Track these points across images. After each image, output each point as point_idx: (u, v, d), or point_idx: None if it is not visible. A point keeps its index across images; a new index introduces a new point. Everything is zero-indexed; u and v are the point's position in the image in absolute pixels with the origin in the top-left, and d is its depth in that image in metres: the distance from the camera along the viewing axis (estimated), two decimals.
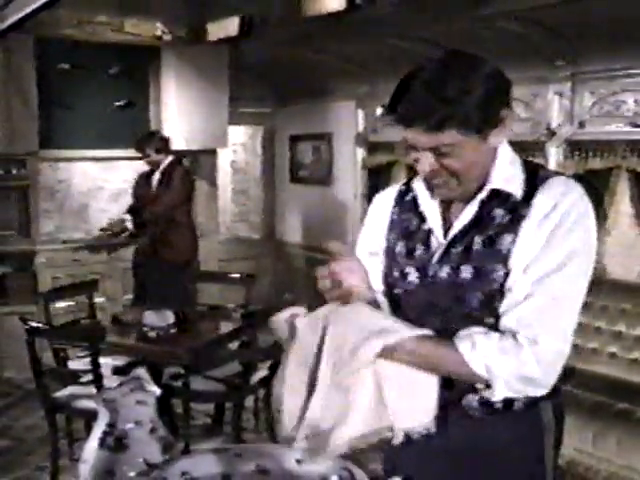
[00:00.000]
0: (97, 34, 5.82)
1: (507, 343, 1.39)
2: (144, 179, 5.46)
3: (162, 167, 5.33)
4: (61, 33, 5.66)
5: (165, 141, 5.43)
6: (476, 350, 1.39)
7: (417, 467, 1.54)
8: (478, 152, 1.44)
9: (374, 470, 1.50)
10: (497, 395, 1.42)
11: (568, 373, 1.51)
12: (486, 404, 1.50)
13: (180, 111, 6.30)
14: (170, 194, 5.22)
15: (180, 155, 5.70)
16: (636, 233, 4.22)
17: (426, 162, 1.44)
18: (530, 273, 1.41)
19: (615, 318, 4.07)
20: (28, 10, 4.19)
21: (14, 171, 5.73)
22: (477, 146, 1.43)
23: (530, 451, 1.54)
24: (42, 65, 5.71)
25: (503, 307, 1.44)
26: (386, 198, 1.72)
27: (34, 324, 3.62)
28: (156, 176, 5.36)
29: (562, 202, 1.42)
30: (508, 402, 1.49)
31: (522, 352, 1.38)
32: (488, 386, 1.43)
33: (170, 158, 5.37)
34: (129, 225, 5.37)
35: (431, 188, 1.55)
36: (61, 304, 4.96)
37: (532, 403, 1.51)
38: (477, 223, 1.50)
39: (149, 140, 5.35)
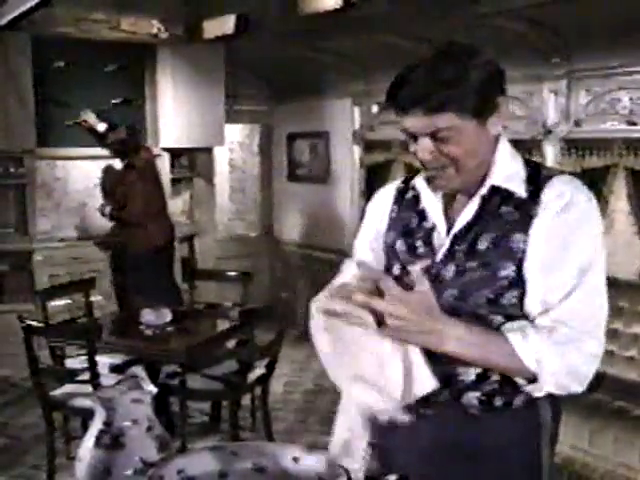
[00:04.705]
0: (93, 32, 5.80)
1: (558, 336, 1.41)
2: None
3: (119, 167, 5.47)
4: (57, 31, 5.64)
5: (123, 141, 5.43)
6: (527, 342, 1.41)
7: (415, 465, 1.53)
8: (476, 139, 1.46)
9: (370, 468, 1.50)
10: (543, 390, 1.44)
11: (599, 379, 1.53)
12: (486, 402, 1.50)
13: (176, 109, 6.29)
14: (132, 204, 5.29)
15: (133, 162, 5.43)
16: (633, 231, 4.22)
17: (425, 149, 1.46)
18: (560, 274, 1.43)
19: (612, 316, 4.06)
20: (24, 8, 4.19)
21: (11, 169, 5.73)
22: (475, 132, 1.45)
23: (528, 448, 1.54)
24: (39, 63, 5.70)
25: (534, 308, 1.45)
26: (385, 196, 1.72)
27: (31, 322, 3.62)
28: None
29: (573, 202, 1.44)
30: (508, 400, 1.50)
31: (570, 347, 1.41)
32: (531, 381, 1.44)
33: (124, 162, 5.43)
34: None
35: (429, 181, 1.55)
36: (58, 302, 4.95)
37: (531, 401, 1.51)
38: (480, 220, 1.50)
39: (114, 133, 5.45)
